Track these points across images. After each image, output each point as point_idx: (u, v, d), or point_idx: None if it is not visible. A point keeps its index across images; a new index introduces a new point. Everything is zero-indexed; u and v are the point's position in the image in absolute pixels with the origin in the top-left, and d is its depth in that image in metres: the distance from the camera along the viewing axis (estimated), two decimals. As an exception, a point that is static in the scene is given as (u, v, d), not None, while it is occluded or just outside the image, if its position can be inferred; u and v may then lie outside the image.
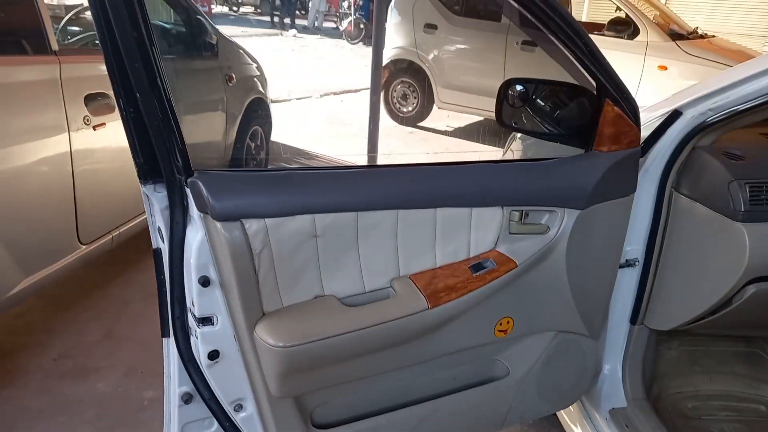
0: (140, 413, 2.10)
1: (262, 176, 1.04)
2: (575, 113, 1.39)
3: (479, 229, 1.24)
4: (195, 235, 1.05)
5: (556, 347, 1.46)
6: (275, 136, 4.30)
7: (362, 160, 4.69)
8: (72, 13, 3.11)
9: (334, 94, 7.82)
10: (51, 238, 2.24)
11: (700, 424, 1.74)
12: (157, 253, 1.12)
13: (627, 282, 1.57)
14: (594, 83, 1.25)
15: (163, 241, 1.10)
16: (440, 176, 1.19)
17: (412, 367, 1.31)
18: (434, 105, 6.18)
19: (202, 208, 1.01)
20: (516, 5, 1.12)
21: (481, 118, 6.46)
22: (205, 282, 1.06)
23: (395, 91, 6.38)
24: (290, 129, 5.71)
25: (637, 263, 1.55)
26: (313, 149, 5.23)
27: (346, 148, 5.33)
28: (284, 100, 7.12)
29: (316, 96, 7.63)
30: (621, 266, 1.52)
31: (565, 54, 1.21)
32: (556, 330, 1.44)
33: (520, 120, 1.48)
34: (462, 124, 6.74)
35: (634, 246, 1.54)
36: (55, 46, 2.19)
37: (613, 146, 1.32)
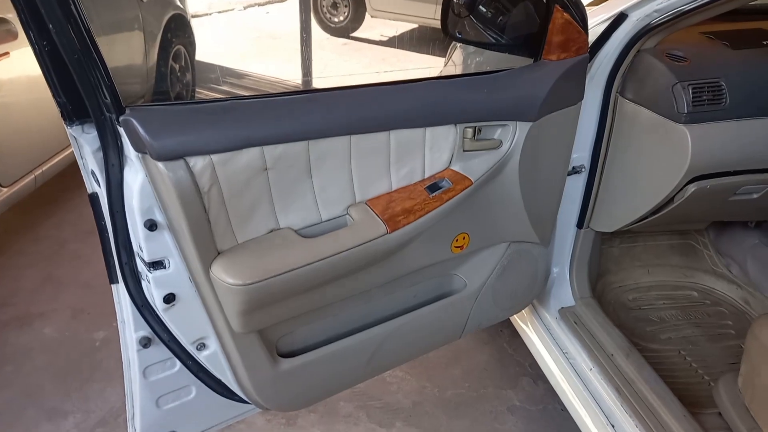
0: (94, 354, 2.06)
1: (203, 109, 0.96)
2: (523, 21, 1.35)
3: (433, 150, 1.22)
4: (135, 177, 0.97)
5: (510, 257, 1.50)
6: (200, 56, 4.03)
7: (298, 77, 4.50)
8: None
9: (258, 5, 7.33)
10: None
11: (640, 313, 1.88)
12: (94, 198, 1.04)
13: (574, 189, 1.60)
14: None
15: (99, 185, 1.01)
16: (391, 97, 1.14)
17: (373, 290, 1.32)
18: (366, 13, 5.91)
19: (139, 148, 0.92)
20: None
21: (416, 26, 6.26)
22: (151, 226, 0.99)
23: (324, 0, 6.05)
24: (216, 46, 5.36)
25: (583, 170, 1.58)
26: (243, 68, 4.96)
27: (279, 65, 5.07)
28: (204, 14, 6.62)
29: (239, 8, 7.13)
30: (569, 174, 1.54)
31: None
32: (510, 241, 1.48)
33: (466, 30, 1.42)
34: (396, 32, 6.52)
35: (581, 153, 1.56)
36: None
37: (563, 54, 1.29)
